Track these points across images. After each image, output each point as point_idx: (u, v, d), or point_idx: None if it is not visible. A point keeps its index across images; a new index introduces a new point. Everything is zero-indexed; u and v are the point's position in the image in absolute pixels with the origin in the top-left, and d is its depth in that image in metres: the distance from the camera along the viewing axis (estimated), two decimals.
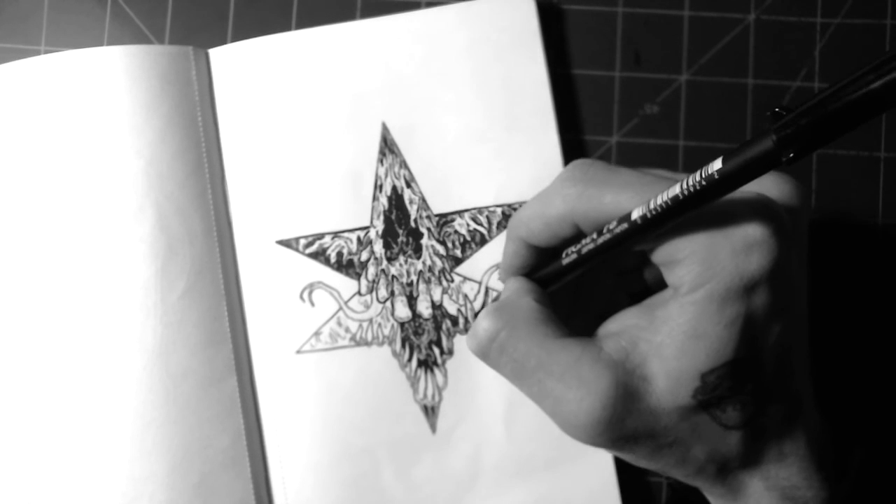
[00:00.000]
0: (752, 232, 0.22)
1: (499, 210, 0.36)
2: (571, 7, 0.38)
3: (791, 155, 0.19)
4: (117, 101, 0.36)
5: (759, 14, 0.38)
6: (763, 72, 0.38)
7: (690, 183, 0.21)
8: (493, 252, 0.36)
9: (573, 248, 0.26)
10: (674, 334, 0.23)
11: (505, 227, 0.36)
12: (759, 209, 0.23)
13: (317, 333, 0.36)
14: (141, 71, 0.36)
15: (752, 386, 0.23)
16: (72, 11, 0.39)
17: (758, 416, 0.24)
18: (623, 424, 0.23)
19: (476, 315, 0.36)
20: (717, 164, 0.20)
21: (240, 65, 0.37)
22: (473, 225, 0.37)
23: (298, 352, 0.36)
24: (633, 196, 0.24)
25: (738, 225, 0.22)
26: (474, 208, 0.37)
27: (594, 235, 0.25)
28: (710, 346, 0.23)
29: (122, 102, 0.36)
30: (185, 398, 0.35)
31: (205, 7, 0.39)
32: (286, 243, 0.37)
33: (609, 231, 0.24)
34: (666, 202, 0.22)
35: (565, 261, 0.26)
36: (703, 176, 0.21)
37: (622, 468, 0.36)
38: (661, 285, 0.26)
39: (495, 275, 0.36)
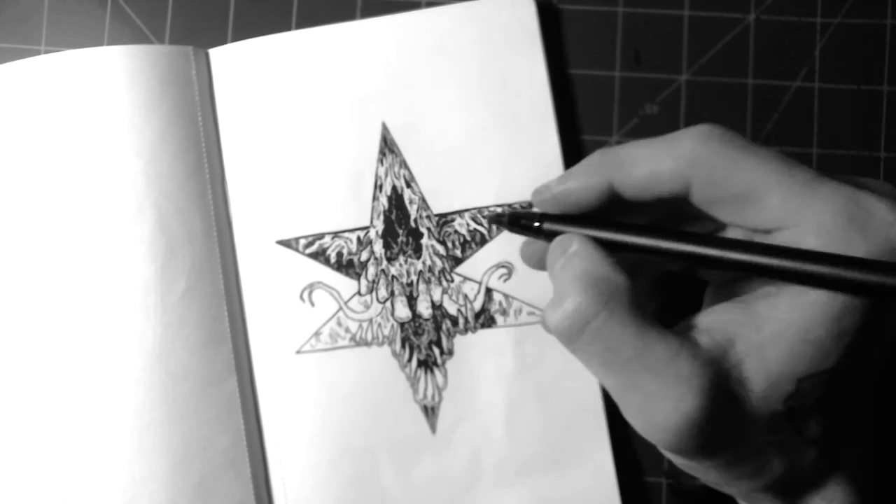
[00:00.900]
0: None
1: (499, 210, 0.36)
2: (571, 7, 0.38)
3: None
4: (117, 101, 0.36)
5: (759, 14, 0.38)
6: (763, 72, 0.38)
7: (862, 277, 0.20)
8: (494, 252, 0.36)
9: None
10: (782, 335, 0.21)
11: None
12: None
13: (317, 333, 0.36)
14: (141, 71, 0.36)
15: (838, 400, 0.22)
16: (72, 11, 0.39)
17: (834, 433, 0.23)
18: (713, 428, 0.22)
19: (479, 311, 0.36)
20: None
21: (240, 65, 0.37)
22: (473, 225, 0.37)
23: (298, 352, 0.36)
24: (766, 175, 0.22)
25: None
26: (474, 208, 0.37)
27: (706, 238, 0.23)
28: (817, 353, 0.21)
29: (122, 102, 0.36)
30: (185, 398, 0.35)
31: (205, 7, 0.39)
32: (286, 243, 0.37)
33: (727, 249, 0.22)
34: (818, 272, 0.21)
35: (661, 242, 0.24)
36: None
37: (622, 469, 0.35)
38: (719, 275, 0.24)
39: (495, 274, 0.36)
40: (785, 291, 0.22)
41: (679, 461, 0.24)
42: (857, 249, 0.21)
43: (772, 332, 0.22)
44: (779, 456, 0.22)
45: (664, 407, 0.22)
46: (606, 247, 0.24)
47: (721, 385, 0.22)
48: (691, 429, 0.21)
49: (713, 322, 0.23)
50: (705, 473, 0.24)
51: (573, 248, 0.24)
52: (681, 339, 0.22)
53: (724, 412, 0.22)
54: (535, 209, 0.27)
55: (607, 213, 0.25)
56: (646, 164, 0.24)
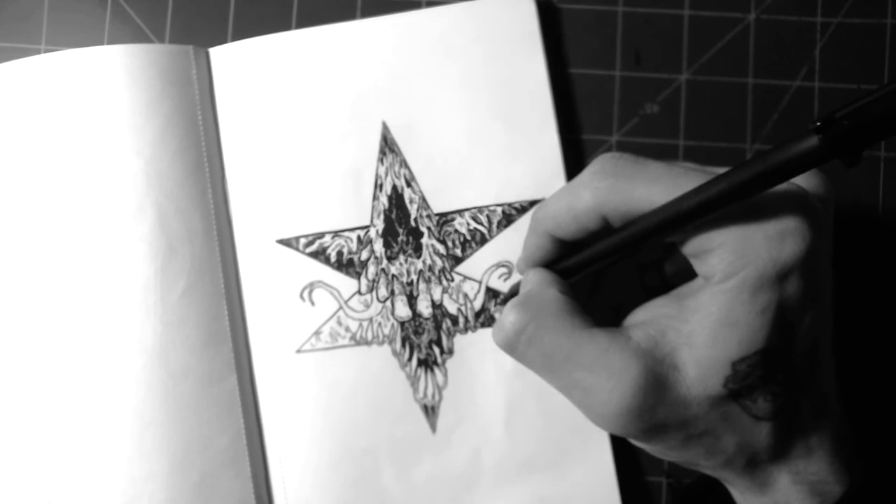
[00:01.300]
0: (786, 220, 0.22)
1: (499, 209, 0.36)
2: (571, 6, 0.38)
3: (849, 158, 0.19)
4: (117, 100, 0.36)
5: (759, 13, 0.38)
6: (763, 71, 0.38)
7: (737, 178, 0.21)
8: (494, 251, 0.36)
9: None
10: (705, 322, 0.23)
11: (505, 227, 0.36)
12: (792, 199, 0.23)
13: (317, 333, 0.36)
14: (141, 70, 0.36)
15: (782, 376, 0.23)
16: (72, 10, 0.39)
17: (788, 408, 0.24)
18: (653, 413, 0.23)
19: (479, 310, 0.36)
20: (765, 159, 0.21)
21: (240, 64, 0.37)
22: (473, 224, 0.37)
23: (298, 351, 0.36)
24: (664, 189, 0.24)
25: (771, 214, 0.22)
26: (474, 207, 0.37)
27: (625, 227, 0.25)
28: (742, 334, 0.23)
29: (122, 102, 0.36)
30: (185, 397, 0.35)
31: (205, 6, 0.39)
32: (286, 242, 0.37)
33: (640, 223, 0.24)
34: (705, 198, 0.22)
35: (591, 251, 0.26)
36: (752, 170, 0.21)
37: (622, 469, 0.35)
38: (680, 279, 0.26)
39: (495, 274, 0.36)
40: (708, 284, 0.23)
41: (638, 445, 0.26)
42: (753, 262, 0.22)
43: (697, 321, 0.23)
44: (729, 435, 0.24)
45: (600, 398, 0.24)
46: (565, 273, 0.28)
47: (654, 373, 0.23)
48: (628, 415, 0.23)
49: (646, 316, 0.25)
50: (667, 455, 0.25)
51: (527, 276, 0.28)
52: (611, 336, 0.24)
53: (660, 398, 0.23)
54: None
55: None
56: (566, 214, 0.26)
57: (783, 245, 0.22)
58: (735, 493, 0.26)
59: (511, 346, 0.26)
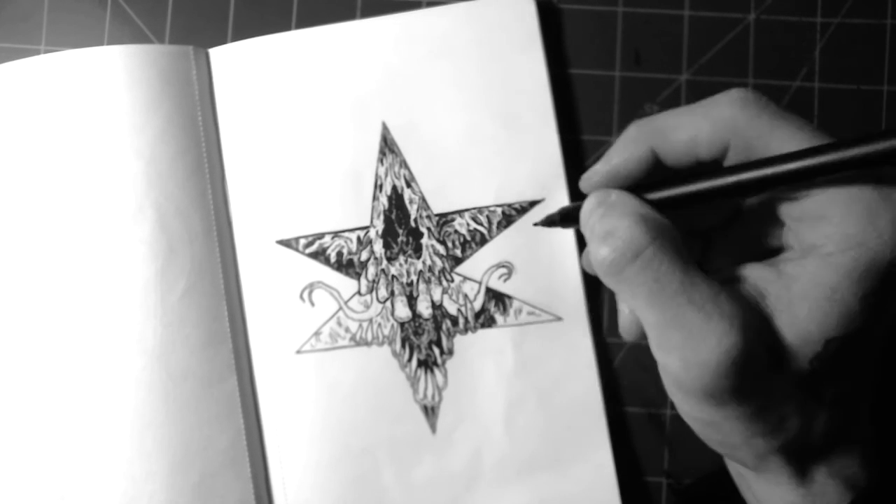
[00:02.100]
0: None
1: (499, 210, 0.36)
2: (571, 7, 0.38)
3: None
4: (117, 100, 0.36)
5: (759, 14, 0.38)
6: (763, 72, 0.38)
7: (881, 145, 0.20)
8: (493, 252, 0.36)
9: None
10: (811, 293, 0.22)
11: (505, 227, 0.36)
12: None
13: (317, 333, 0.36)
14: (141, 70, 0.36)
15: (857, 364, 0.23)
16: (72, 11, 0.39)
17: (849, 397, 0.23)
18: (749, 371, 0.22)
19: (479, 311, 0.36)
20: None
21: (240, 64, 0.37)
22: (473, 224, 0.37)
23: (298, 352, 0.36)
24: (803, 141, 0.22)
25: None
26: (474, 208, 0.37)
27: (747, 166, 0.23)
28: (844, 313, 0.22)
29: (122, 102, 0.36)
30: (185, 398, 0.35)
31: (205, 7, 0.39)
32: (286, 243, 0.37)
33: (772, 164, 0.22)
34: (842, 156, 0.21)
35: (705, 183, 0.24)
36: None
37: (622, 469, 0.36)
38: (726, 254, 0.25)
39: (495, 274, 0.36)
40: (812, 254, 0.22)
41: (702, 413, 0.23)
42: (882, 217, 0.21)
43: (800, 291, 0.22)
44: (796, 415, 0.23)
45: (708, 342, 0.22)
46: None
47: (758, 331, 0.22)
48: (730, 367, 0.22)
49: (745, 275, 0.23)
50: (722, 429, 0.24)
51: (612, 197, 0.25)
52: (720, 283, 0.23)
53: (758, 359, 0.22)
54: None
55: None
56: (685, 131, 0.24)
57: None
58: (761, 485, 0.25)
59: (618, 266, 0.23)
